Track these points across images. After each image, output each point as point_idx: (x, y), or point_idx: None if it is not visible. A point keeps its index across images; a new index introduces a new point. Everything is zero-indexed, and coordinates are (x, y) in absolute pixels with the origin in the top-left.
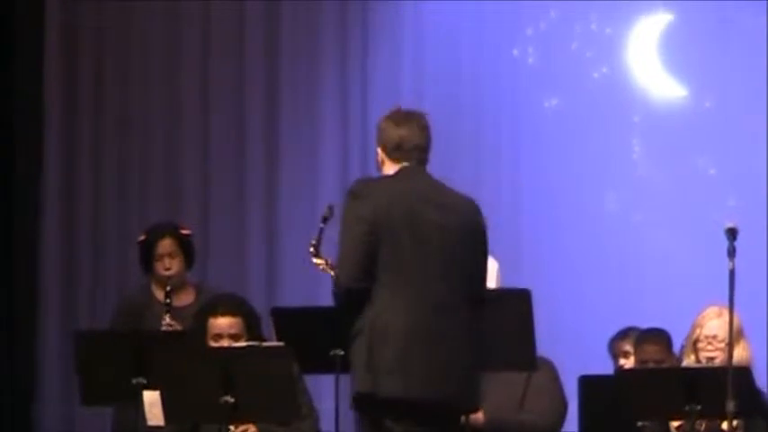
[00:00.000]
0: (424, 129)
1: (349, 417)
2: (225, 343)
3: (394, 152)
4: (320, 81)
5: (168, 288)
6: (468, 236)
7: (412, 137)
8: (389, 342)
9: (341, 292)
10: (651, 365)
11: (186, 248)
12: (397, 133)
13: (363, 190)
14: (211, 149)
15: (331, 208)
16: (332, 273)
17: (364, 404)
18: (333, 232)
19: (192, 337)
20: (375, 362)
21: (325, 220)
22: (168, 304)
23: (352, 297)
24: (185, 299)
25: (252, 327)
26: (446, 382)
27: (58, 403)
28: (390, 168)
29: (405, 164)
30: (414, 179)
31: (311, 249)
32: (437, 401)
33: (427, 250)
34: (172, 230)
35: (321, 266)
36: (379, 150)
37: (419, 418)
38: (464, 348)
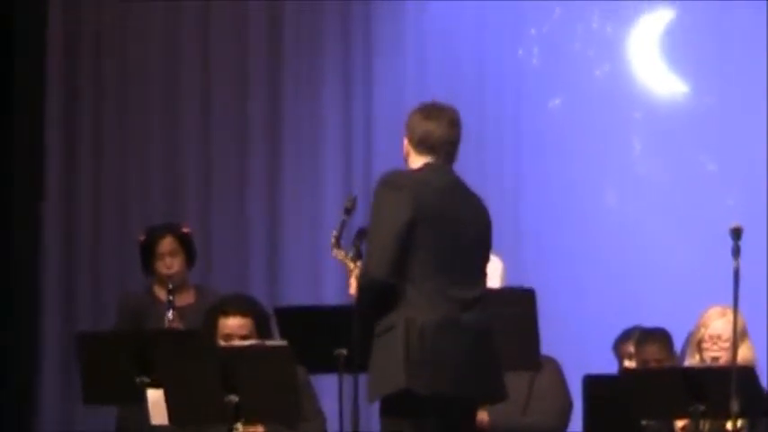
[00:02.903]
0: (453, 124)
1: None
2: (235, 343)
3: (419, 146)
4: (323, 79)
5: (170, 286)
6: (484, 235)
7: (439, 131)
8: (427, 338)
9: (372, 286)
10: (652, 365)
11: (187, 247)
12: (423, 127)
13: (399, 181)
14: (213, 148)
15: (354, 200)
16: (352, 266)
17: (398, 403)
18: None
19: (198, 336)
20: (413, 358)
21: (347, 211)
22: (171, 302)
23: (380, 292)
24: (186, 299)
25: (262, 327)
26: (478, 377)
27: (59, 404)
28: (416, 162)
29: (429, 159)
30: (439, 176)
31: (332, 240)
32: (471, 396)
33: (456, 246)
34: (172, 229)
35: (341, 259)
36: (406, 142)
37: (451, 413)
38: (489, 341)
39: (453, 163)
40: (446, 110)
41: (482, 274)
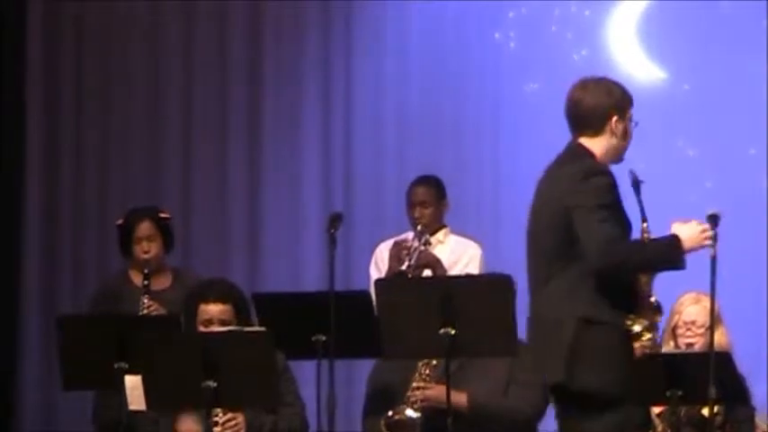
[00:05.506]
0: (568, 98)
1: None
2: (215, 329)
3: None
4: (304, 69)
5: (146, 271)
6: (551, 213)
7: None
8: None
9: None
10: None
11: (165, 232)
12: None
13: None
14: (193, 134)
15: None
16: None
17: None
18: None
19: (177, 321)
20: None
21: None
22: (146, 287)
23: None
24: (162, 283)
25: (241, 313)
26: (544, 365)
27: (39, 388)
28: None
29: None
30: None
31: None
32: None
33: (528, 239)
34: (150, 214)
35: None
36: None
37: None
38: (537, 330)
39: (579, 133)
40: (573, 85)
41: (550, 259)
